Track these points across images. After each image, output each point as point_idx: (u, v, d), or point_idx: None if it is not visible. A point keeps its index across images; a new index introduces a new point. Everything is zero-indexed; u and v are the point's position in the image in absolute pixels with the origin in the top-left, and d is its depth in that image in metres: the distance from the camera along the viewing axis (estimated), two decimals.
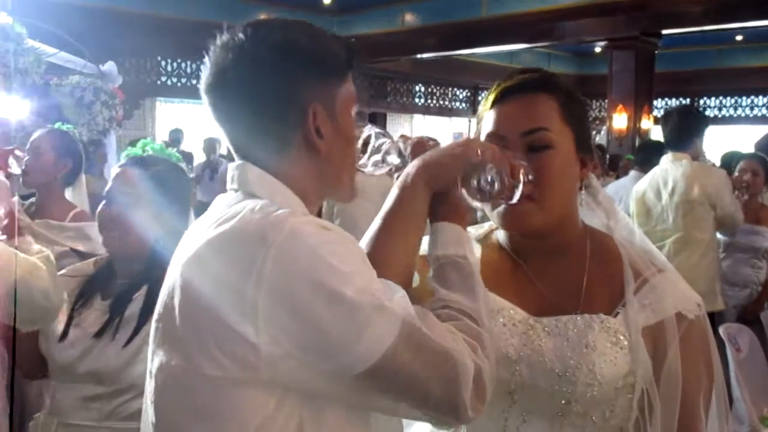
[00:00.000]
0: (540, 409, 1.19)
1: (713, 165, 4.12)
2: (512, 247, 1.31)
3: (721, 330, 3.48)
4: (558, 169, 1.20)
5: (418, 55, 11.77)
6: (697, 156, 4.07)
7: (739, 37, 11.56)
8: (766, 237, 4.01)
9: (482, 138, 1.24)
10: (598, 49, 12.13)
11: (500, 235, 1.34)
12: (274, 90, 1.06)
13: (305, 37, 1.09)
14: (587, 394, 1.15)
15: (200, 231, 1.04)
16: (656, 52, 9.36)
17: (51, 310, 1.80)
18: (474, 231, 1.39)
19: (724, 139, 7.03)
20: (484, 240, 1.37)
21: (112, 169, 2.00)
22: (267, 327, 0.91)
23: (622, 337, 1.18)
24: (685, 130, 3.98)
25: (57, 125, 3.23)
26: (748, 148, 5.86)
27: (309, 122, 1.07)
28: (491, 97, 1.26)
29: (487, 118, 1.25)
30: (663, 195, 3.97)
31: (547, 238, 1.26)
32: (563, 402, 1.17)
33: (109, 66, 5.73)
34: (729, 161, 6.13)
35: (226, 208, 1.03)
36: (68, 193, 3.13)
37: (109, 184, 1.88)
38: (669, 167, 4.01)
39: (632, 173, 5.54)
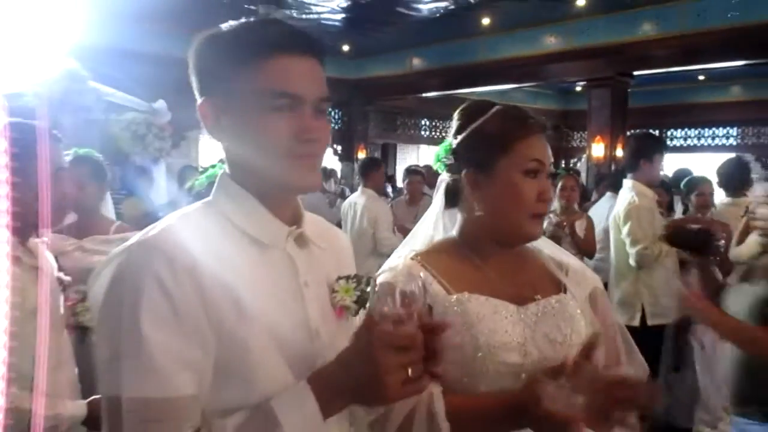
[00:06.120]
0: None
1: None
2: (480, 254, 1.33)
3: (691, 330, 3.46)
4: None
5: (424, 94, 11.83)
6: (652, 180, 3.73)
7: (701, 77, 11.54)
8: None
9: (524, 159, 1.27)
10: (578, 88, 12.14)
11: (469, 245, 1.35)
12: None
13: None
14: (571, 355, 1.24)
15: None
16: (629, 90, 9.37)
17: None
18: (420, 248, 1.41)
19: (689, 166, 6.98)
20: (438, 254, 1.36)
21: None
22: None
23: (578, 308, 1.32)
24: (633, 154, 3.77)
25: (74, 151, 2.78)
26: (710, 173, 5.69)
27: (200, 119, 0.98)
28: (523, 129, 1.28)
29: (526, 145, 1.28)
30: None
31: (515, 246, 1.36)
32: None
33: (160, 104, 5.79)
34: (680, 178, 5.64)
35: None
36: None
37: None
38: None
39: (607, 194, 5.22)
